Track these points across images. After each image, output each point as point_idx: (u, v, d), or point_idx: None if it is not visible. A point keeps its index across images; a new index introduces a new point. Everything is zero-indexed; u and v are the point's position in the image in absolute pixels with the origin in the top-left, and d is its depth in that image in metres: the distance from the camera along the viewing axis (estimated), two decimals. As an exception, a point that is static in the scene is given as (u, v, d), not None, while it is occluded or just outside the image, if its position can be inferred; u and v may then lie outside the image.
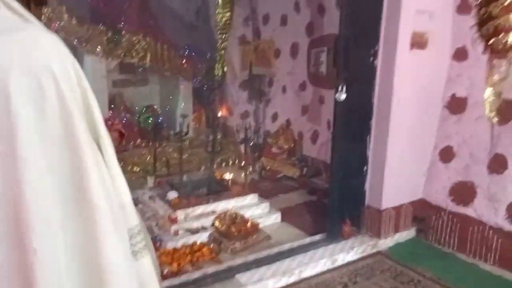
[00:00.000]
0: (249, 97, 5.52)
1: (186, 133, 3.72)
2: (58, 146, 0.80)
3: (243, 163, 5.27)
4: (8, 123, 0.74)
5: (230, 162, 5.43)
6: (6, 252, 0.75)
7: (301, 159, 4.74)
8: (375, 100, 3.01)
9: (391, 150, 2.99)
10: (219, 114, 5.38)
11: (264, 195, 3.89)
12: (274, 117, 5.27)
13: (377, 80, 2.98)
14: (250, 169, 4.66)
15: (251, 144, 4.61)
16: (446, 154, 3.15)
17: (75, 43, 4.16)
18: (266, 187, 4.47)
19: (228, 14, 4.02)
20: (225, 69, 4.36)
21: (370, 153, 3.08)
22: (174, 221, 3.16)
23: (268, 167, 4.89)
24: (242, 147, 5.11)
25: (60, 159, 0.80)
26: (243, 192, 3.66)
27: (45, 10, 3.94)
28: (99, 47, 4.40)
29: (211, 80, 5.19)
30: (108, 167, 0.88)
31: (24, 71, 0.76)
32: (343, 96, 2.81)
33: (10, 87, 0.74)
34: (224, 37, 4.16)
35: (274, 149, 5.07)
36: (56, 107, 0.80)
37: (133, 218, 0.96)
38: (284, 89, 5.03)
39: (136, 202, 3.72)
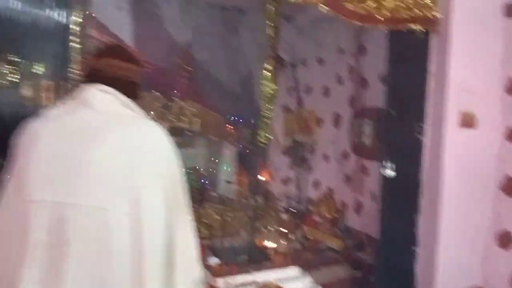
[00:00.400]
0: (291, 163, 5.57)
1: (230, 199, 3.77)
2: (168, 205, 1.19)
3: (284, 230, 5.21)
4: (134, 193, 1.11)
5: (271, 229, 5.38)
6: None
7: (345, 230, 4.61)
8: (423, 177, 2.95)
9: (441, 231, 2.85)
10: (261, 179, 5.45)
11: (305, 267, 3.76)
12: (316, 184, 5.24)
13: (425, 157, 2.94)
14: (292, 237, 4.58)
15: (292, 211, 4.59)
16: (504, 238, 2.95)
17: (131, 110, 4.48)
18: (308, 258, 4.34)
19: (273, 86, 4.21)
20: (269, 136, 4.48)
21: (419, 233, 2.96)
22: (214, 290, 3.12)
23: (310, 236, 4.78)
24: (283, 215, 5.09)
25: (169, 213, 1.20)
26: (285, 263, 3.57)
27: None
28: (152, 112, 4.70)
29: (254, 145, 5.32)
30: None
31: (148, 150, 1.18)
32: (390, 172, 2.78)
33: (140, 179, 1.14)
34: (269, 107, 4.32)
35: (316, 218, 4.98)
36: (167, 177, 1.23)
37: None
38: (326, 157, 5.05)
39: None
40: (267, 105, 4.34)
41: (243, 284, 3.28)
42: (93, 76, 1.23)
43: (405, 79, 2.88)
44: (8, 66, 1.72)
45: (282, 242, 4.69)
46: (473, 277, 3.06)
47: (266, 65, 4.21)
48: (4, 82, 1.73)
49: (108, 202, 1.08)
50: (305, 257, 4.36)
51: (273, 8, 3.94)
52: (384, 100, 2.86)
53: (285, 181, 5.58)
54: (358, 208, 4.52)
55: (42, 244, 1.04)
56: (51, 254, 1.03)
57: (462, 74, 2.86)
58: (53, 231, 1.04)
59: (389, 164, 2.79)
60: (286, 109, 5.56)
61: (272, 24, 4.04)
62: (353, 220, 4.59)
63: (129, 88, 1.26)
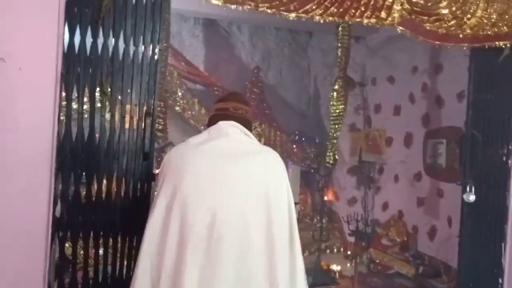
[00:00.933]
0: (358, 183, 5.42)
1: (298, 219, 3.73)
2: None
3: (349, 252, 5.04)
4: (266, 200, 1.46)
5: (335, 250, 5.24)
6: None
7: (416, 255, 4.35)
8: (511, 203, 2.71)
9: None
10: (325, 198, 5.36)
11: (374, 293, 3.61)
12: (385, 206, 5.03)
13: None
14: (357, 260, 4.42)
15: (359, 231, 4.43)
16: None
17: (202, 128, 4.68)
18: (376, 284, 4.15)
19: (341, 106, 4.17)
20: (336, 156, 4.41)
21: (506, 264, 2.71)
22: (280, 312, 3.08)
23: (377, 261, 4.57)
24: (350, 238, 4.94)
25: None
26: (351, 287, 3.45)
27: (181, 101, 4.58)
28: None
29: (319, 165, 5.27)
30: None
31: (274, 179, 1.51)
32: (472, 197, 2.60)
33: (269, 189, 1.47)
34: (337, 127, 4.27)
35: (384, 241, 4.77)
36: (287, 204, 1.51)
37: None
38: (396, 178, 4.84)
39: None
40: (334, 125, 4.29)
41: (309, 306, 3.21)
42: (221, 115, 1.62)
43: (491, 99, 2.69)
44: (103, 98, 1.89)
45: (347, 265, 4.55)
46: None
47: (335, 86, 4.19)
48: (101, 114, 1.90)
49: (248, 206, 1.44)
50: (373, 283, 4.18)
51: (345, 31, 3.93)
52: (466, 120, 2.69)
53: (351, 201, 5.42)
54: (432, 233, 4.25)
55: (202, 237, 1.39)
56: (209, 244, 1.38)
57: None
58: (210, 227, 1.39)
59: (468, 188, 2.61)
60: (353, 128, 5.45)
61: (343, 45, 4.03)
62: (425, 246, 4.32)
63: (246, 123, 1.63)
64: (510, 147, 2.69)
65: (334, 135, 4.36)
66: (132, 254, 1.97)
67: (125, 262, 1.97)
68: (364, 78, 5.31)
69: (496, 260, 2.72)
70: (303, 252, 4.66)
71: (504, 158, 2.70)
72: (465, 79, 2.96)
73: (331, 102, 4.20)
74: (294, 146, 5.38)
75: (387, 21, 2.29)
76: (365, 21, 2.28)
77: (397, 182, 4.84)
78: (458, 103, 3.79)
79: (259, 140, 5.10)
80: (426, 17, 2.38)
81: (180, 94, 4.55)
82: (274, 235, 1.44)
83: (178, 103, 4.55)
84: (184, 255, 1.37)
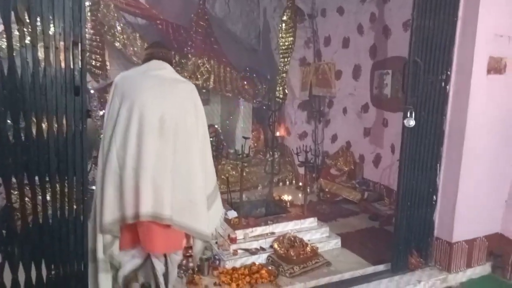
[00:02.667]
0: (308, 117, 5.50)
1: (247, 155, 3.77)
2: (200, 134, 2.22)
3: (300, 184, 5.25)
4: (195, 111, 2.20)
5: (287, 182, 5.43)
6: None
7: (362, 182, 4.61)
8: (447, 127, 2.87)
9: (464, 180, 2.81)
10: (277, 134, 5.43)
11: (322, 219, 3.82)
12: (334, 138, 5.20)
13: (449, 106, 2.84)
14: (308, 190, 4.62)
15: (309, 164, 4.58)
16: (527, 186, 2.90)
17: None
18: (324, 210, 4.39)
19: (290, 39, 4.07)
20: (286, 91, 4.39)
21: (440, 182, 2.92)
22: (233, 240, 3.20)
23: (326, 189, 4.81)
24: (300, 169, 5.11)
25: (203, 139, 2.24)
26: (302, 215, 3.61)
27: (121, 37, 4.25)
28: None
29: (270, 101, 5.25)
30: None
31: (191, 100, 2.18)
32: (412, 123, 2.70)
33: (187, 106, 2.17)
34: (286, 61, 4.20)
35: (333, 171, 4.99)
36: (201, 115, 2.22)
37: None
38: (345, 110, 4.96)
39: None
40: (283, 58, 4.21)
41: (261, 235, 3.35)
42: (152, 56, 2.22)
43: (433, 27, 2.71)
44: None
45: (299, 195, 4.75)
46: (495, 225, 3.05)
47: (283, 17, 4.05)
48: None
49: (183, 109, 2.13)
50: (322, 210, 4.42)
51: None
52: (409, 47, 2.72)
53: (302, 136, 5.54)
54: (377, 160, 4.49)
55: (155, 126, 2.02)
56: (161, 133, 2.03)
57: (493, 18, 2.70)
58: (160, 120, 2.03)
59: (409, 114, 2.70)
60: (303, 63, 5.41)
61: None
62: (371, 173, 4.57)
63: (170, 62, 2.28)
64: (449, 73, 2.78)
65: (284, 69, 4.30)
66: (73, 193, 1.89)
67: (66, 201, 1.89)
68: (313, 10, 5.18)
69: (432, 180, 2.93)
70: (257, 187, 4.73)
71: (443, 84, 2.80)
72: (411, 7, 2.94)
73: (280, 35, 4.09)
74: (245, 82, 5.28)
75: None
76: None
77: (345, 115, 4.96)
78: (404, 33, 3.83)
79: (209, 77, 4.96)
80: None
81: (119, 28, 4.21)
82: (200, 121, 2.20)
83: (117, 38, 4.22)
84: (143, 139, 1.99)
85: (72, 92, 1.83)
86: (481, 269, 3.04)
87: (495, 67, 2.75)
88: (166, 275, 2.23)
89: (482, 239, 3.02)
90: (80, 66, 1.84)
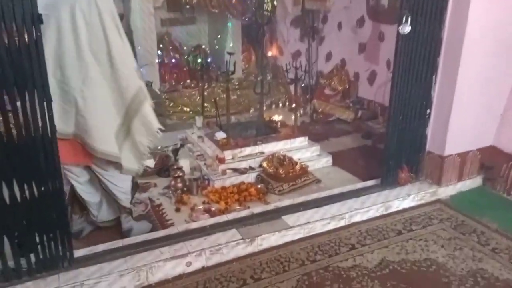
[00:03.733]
0: (301, 34, 5.18)
1: (233, 72, 3.57)
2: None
3: (293, 105, 5.10)
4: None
5: (280, 104, 5.27)
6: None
7: (356, 101, 4.46)
8: (445, 35, 2.64)
9: (459, 92, 2.66)
10: (269, 54, 5.15)
11: (315, 139, 3.74)
12: (328, 56, 4.94)
13: (449, 12, 2.59)
14: (301, 111, 4.49)
15: (302, 85, 4.39)
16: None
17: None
18: (317, 131, 4.30)
19: None
20: (275, 3, 4.04)
21: (435, 94, 2.77)
22: (221, 161, 3.14)
23: (320, 110, 4.67)
24: (292, 88, 4.92)
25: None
26: (292, 135, 3.53)
27: None
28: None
29: (261, 17, 4.88)
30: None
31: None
32: (407, 29, 2.47)
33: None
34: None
35: (327, 91, 4.81)
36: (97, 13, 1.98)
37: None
38: (339, 26, 4.65)
39: (185, 141, 3.75)
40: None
41: (250, 155, 3.30)
42: None
43: None
44: None
45: (291, 116, 4.63)
46: (488, 138, 2.97)
47: None
48: None
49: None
50: (315, 130, 4.32)
51: None
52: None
53: (295, 55, 5.26)
54: (372, 77, 4.29)
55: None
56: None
57: None
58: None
59: (404, 19, 2.46)
60: (295, -27, 4.95)
61: None
62: (366, 91, 4.41)
63: None
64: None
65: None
66: (36, 109, 1.75)
67: (30, 119, 1.76)
68: None
69: (426, 92, 2.77)
70: (249, 110, 4.57)
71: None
72: None
73: None
74: (233, -4, 4.86)
75: None
76: None
77: (340, 30, 4.66)
78: None
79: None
80: None
81: None
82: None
83: None
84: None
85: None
86: (472, 182, 3.02)
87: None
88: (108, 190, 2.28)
89: (474, 152, 2.95)
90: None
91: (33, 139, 1.77)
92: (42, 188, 1.84)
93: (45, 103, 1.75)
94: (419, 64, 2.67)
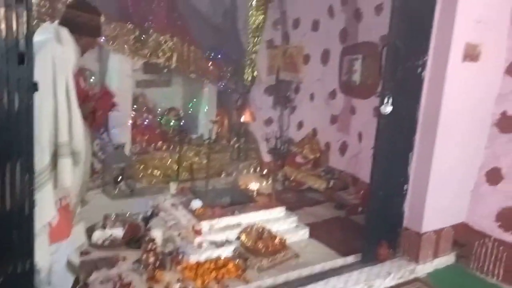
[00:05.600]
0: (274, 103, 5.34)
1: (215, 141, 3.55)
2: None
3: (265, 171, 5.11)
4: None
5: (251, 170, 5.26)
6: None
7: (327, 171, 4.54)
8: (420, 115, 2.81)
9: (435, 169, 2.79)
10: (242, 119, 5.22)
11: (289, 208, 3.69)
12: (300, 125, 5.08)
13: (424, 93, 2.79)
14: (272, 178, 4.47)
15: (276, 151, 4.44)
16: (494, 176, 2.94)
17: (102, 41, 4.03)
18: (290, 199, 4.28)
19: (261, 17, 3.85)
20: (255, 73, 4.17)
21: (411, 171, 2.88)
22: (198, 233, 2.99)
23: (291, 177, 4.70)
24: (267, 155, 4.95)
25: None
26: (270, 205, 3.47)
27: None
28: (125, 45, 4.27)
29: (236, 84, 5.01)
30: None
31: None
32: (388, 109, 2.61)
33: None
34: (256, 41, 3.98)
35: (298, 159, 4.88)
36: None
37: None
38: (312, 97, 4.85)
39: (157, 209, 3.55)
40: (253, 38, 3.98)
41: (227, 227, 3.17)
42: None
43: (411, 12, 2.61)
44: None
45: (263, 183, 4.60)
46: (461, 215, 3.08)
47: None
48: None
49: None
50: (287, 198, 4.29)
51: None
52: (390, 28, 2.60)
53: (268, 122, 5.38)
54: (343, 148, 4.43)
55: None
56: None
57: (472, 3, 2.65)
58: None
59: (386, 100, 2.61)
60: (271, 45, 5.20)
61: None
62: (337, 161, 4.51)
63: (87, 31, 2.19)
64: (425, 59, 2.71)
65: (253, 49, 4.07)
66: (15, 182, 1.60)
67: (8, 189, 1.59)
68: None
69: (403, 169, 2.88)
70: (220, 174, 4.48)
71: (419, 70, 2.73)
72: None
73: (250, 12, 3.86)
74: (210, 63, 4.99)
75: None
76: None
77: (312, 101, 4.85)
78: (376, 17, 3.74)
79: (171, 56, 4.62)
80: None
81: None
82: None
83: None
84: None
85: (16, 61, 1.52)
86: (446, 259, 3.07)
87: (471, 54, 2.72)
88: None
89: (448, 229, 3.03)
90: (26, 28, 1.53)
91: (8, 215, 1.60)
92: (13, 270, 1.63)
93: (27, 176, 1.61)
94: (398, 142, 2.80)
